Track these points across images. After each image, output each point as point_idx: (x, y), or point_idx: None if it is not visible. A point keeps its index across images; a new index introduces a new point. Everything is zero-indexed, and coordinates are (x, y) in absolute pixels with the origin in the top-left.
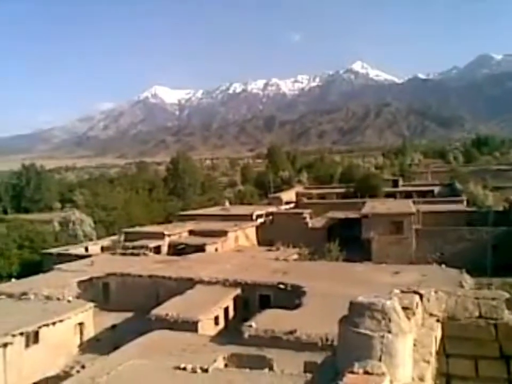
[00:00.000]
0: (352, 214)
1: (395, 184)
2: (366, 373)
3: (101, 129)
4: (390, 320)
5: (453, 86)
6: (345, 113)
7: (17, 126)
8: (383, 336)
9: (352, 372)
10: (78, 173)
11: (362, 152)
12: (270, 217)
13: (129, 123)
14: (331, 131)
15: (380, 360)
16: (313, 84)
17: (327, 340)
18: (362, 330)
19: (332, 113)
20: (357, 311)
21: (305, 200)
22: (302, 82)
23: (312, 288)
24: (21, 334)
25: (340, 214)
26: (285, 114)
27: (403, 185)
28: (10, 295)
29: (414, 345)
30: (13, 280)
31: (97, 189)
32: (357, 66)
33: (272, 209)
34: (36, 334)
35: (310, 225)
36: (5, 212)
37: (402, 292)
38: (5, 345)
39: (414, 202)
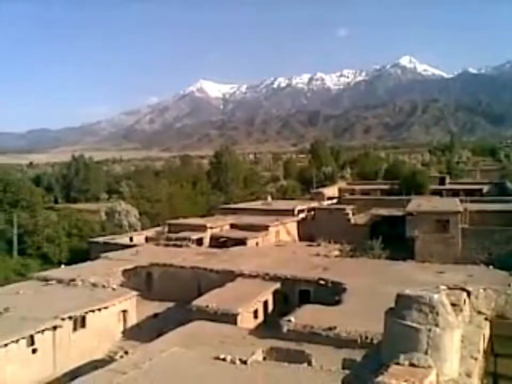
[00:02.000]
0: (396, 212)
1: (442, 181)
2: (412, 365)
3: (146, 122)
4: (437, 314)
5: (506, 81)
6: (391, 108)
7: (67, 119)
8: (430, 330)
9: (398, 364)
10: (124, 165)
11: (408, 149)
12: (312, 212)
13: (174, 117)
14: (376, 126)
15: (426, 353)
16: (359, 79)
17: (366, 337)
18: (409, 323)
19: (378, 108)
20: (404, 303)
21: (348, 196)
22: (347, 77)
23: (352, 285)
24: (70, 318)
25: (384, 211)
26: (329, 109)
27: (450, 183)
28: (59, 281)
29: (462, 341)
30: (62, 266)
31: (143, 181)
32: (405, 60)
33: (314, 204)
34: (83, 319)
35: (352, 221)
36: (56, 201)
37: (449, 288)
38: (55, 328)
39: (461, 201)
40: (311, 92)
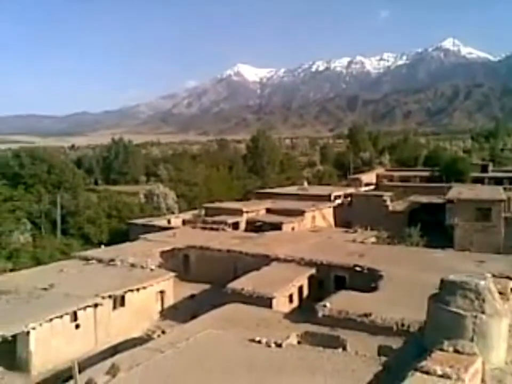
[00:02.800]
0: (436, 199)
1: (484, 169)
2: (456, 351)
3: (184, 106)
4: (484, 301)
5: None
6: (433, 93)
7: (106, 103)
8: (476, 317)
9: (442, 350)
10: (162, 149)
11: (449, 135)
12: (349, 198)
13: (211, 101)
14: (417, 112)
15: (472, 340)
16: (399, 62)
17: (403, 325)
18: (454, 309)
19: (419, 93)
20: (448, 289)
21: (386, 182)
22: (387, 61)
23: (389, 273)
24: (109, 296)
25: (423, 198)
26: (368, 93)
27: (493, 171)
28: (99, 261)
29: (509, 330)
30: (102, 247)
31: (180, 165)
32: (448, 43)
33: (351, 190)
34: (122, 298)
35: (390, 208)
36: (96, 183)
37: (495, 276)
38: (96, 305)
39: (504, 189)
40: (350, 76)
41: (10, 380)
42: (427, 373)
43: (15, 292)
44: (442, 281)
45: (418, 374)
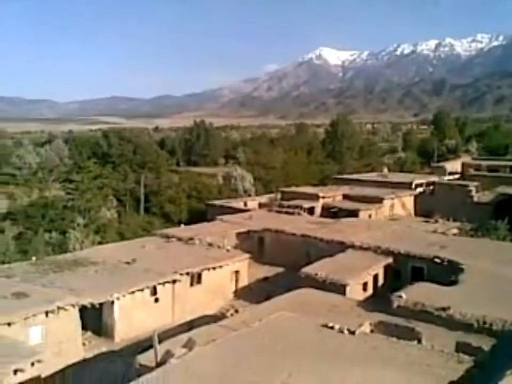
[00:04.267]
0: None
1: None
2: None
3: (264, 90)
4: None
5: None
6: None
7: (189, 86)
8: None
9: None
10: (241, 132)
11: None
12: (431, 187)
13: (292, 84)
14: (511, 97)
15: None
16: (494, 44)
17: (484, 322)
18: None
19: None
20: None
21: (472, 171)
22: (481, 42)
23: (471, 266)
24: (187, 274)
25: None
26: (457, 77)
27: None
28: (179, 239)
29: None
30: (182, 226)
31: (259, 148)
32: None
33: (434, 179)
34: (199, 275)
35: (475, 199)
36: (178, 164)
37: None
38: (174, 281)
39: None
40: (437, 59)
41: (97, 344)
42: None
43: (102, 263)
44: None
45: None
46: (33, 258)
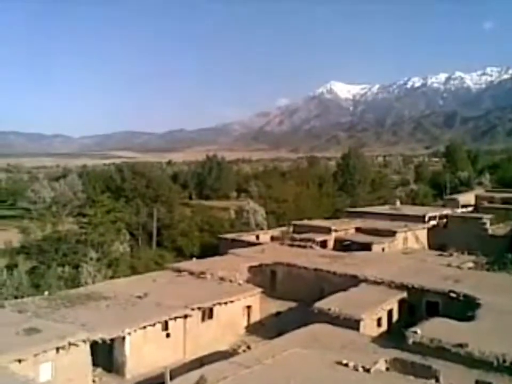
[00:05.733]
0: None
1: None
2: None
3: (276, 124)
4: None
5: None
6: None
7: (202, 120)
8: None
9: None
10: (253, 165)
11: None
12: (444, 220)
13: (303, 118)
14: None
15: None
16: (504, 77)
17: (504, 361)
18: None
19: None
20: None
21: (486, 204)
22: (491, 75)
23: (488, 302)
24: (199, 308)
25: None
26: (468, 110)
27: None
28: (191, 273)
29: None
30: (194, 259)
31: (270, 181)
32: None
33: (447, 211)
34: (211, 310)
35: (490, 232)
36: (190, 198)
37: None
38: (185, 316)
39: None
40: (448, 92)
41: (107, 381)
42: None
43: (113, 298)
44: None
45: None
46: (46, 292)
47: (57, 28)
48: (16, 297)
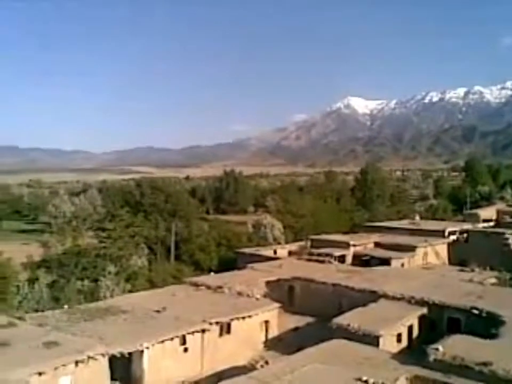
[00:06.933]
0: None
1: None
2: None
3: (293, 139)
4: None
5: None
6: None
7: (219, 136)
8: None
9: None
10: (270, 180)
11: None
12: (465, 235)
13: (320, 133)
14: None
15: None
16: None
17: None
18: None
19: None
20: None
21: (508, 219)
22: (511, 89)
23: None
24: (217, 323)
25: None
26: (487, 124)
27: None
28: (208, 287)
29: None
30: (212, 274)
31: (288, 196)
32: None
33: (467, 226)
34: (228, 325)
35: None
36: (207, 212)
37: None
38: (203, 331)
39: None
40: (466, 106)
41: None
42: None
43: (131, 312)
44: None
45: None
46: (65, 306)
47: (77, 44)
48: (36, 311)
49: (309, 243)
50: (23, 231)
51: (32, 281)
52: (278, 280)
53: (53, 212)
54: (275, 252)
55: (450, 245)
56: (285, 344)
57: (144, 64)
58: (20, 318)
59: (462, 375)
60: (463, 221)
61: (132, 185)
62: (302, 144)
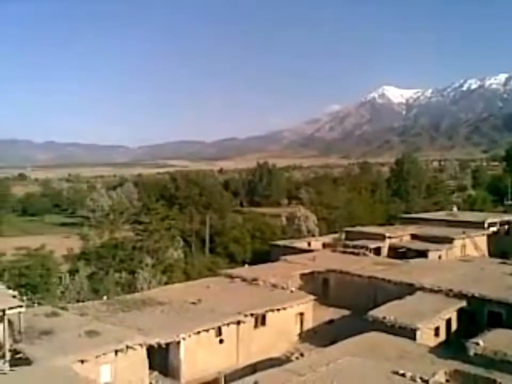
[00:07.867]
0: None
1: None
2: None
3: (326, 130)
4: None
5: None
6: None
7: (252, 128)
8: None
9: None
10: (304, 172)
11: None
12: (506, 226)
13: (354, 124)
14: None
15: None
16: None
17: None
18: None
19: None
20: None
21: None
22: None
23: None
24: (252, 315)
25: None
26: None
27: None
28: (243, 279)
29: None
30: (246, 266)
31: (322, 188)
32: None
33: (508, 217)
34: (263, 317)
35: None
36: (241, 205)
37: None
38: (239, 322)
39: None
40: (508, 93)
41: None
42: None
43: (168, 303)
44: None
45: None
46: (104, 297)
47: (115, 43)
48: (78, 301)
49: (343, 235)
50: (63, 224)
51: (72, 273)
52: (312, 272)
53: (91, 205)
54: (309, 244)
55: (490, 237)
56: (320, 336)
57: (177, 59)
58: (62, 308)
59: (503, 370)
60: (504, 212)
61: (166, 179)
62: (335, 135)
